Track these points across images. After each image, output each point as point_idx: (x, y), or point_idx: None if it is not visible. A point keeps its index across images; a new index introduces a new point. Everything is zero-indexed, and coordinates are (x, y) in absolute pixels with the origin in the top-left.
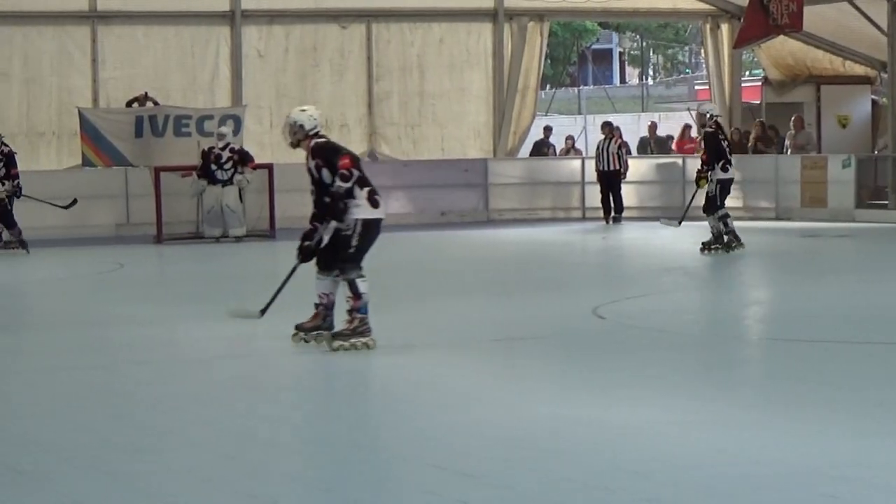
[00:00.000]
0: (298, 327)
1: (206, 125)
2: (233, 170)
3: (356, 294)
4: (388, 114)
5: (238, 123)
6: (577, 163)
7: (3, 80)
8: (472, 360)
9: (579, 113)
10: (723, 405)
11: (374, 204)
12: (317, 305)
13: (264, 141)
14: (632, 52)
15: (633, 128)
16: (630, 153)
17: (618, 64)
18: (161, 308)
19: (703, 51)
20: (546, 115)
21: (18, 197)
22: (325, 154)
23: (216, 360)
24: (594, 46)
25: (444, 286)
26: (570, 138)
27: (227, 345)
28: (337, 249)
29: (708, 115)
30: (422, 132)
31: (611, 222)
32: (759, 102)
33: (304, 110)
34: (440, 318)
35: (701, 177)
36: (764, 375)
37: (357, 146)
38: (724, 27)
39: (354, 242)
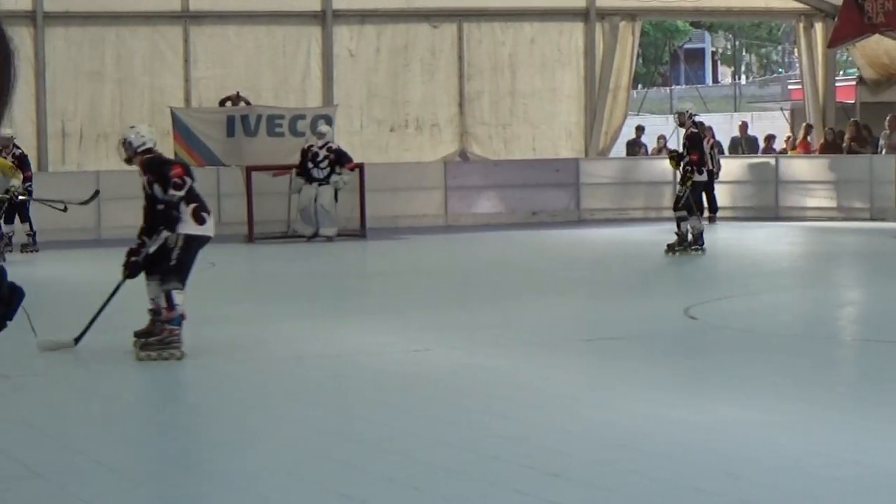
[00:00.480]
0: (136, 334)
1: (298, 125)
2: (329, 169)
3: (170, 305)
4: (480, 113)
5: (329, 123)
6: (667, 162)
7: (97, 80)
8: (563, 361)
9: (671, 112)
10: (815, 407)
11: (199, 220)
12: (150, 311)
13: (355, 141)
14: (724, 52)
15: (724, 127)
16: (722, 153)
17: (710, 63)
18: (253, 307)
19: (796, 50)
20: (638, 115)
21: (28, 199)
22: (155, 168)
23: (308, 358)
24: (686, 46)
25: (536, 286)
26: (661, 138)
27: (319, 343)
28: (160, 260)
29: (687, 115)
30: (513, 132)
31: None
32: (853, 102)
33: (132, 127)
34: (531, 318)
35: (688, 177)
36: (857, 377)
37: (448, 146)
38: (818, 26)
39: (175, 255)
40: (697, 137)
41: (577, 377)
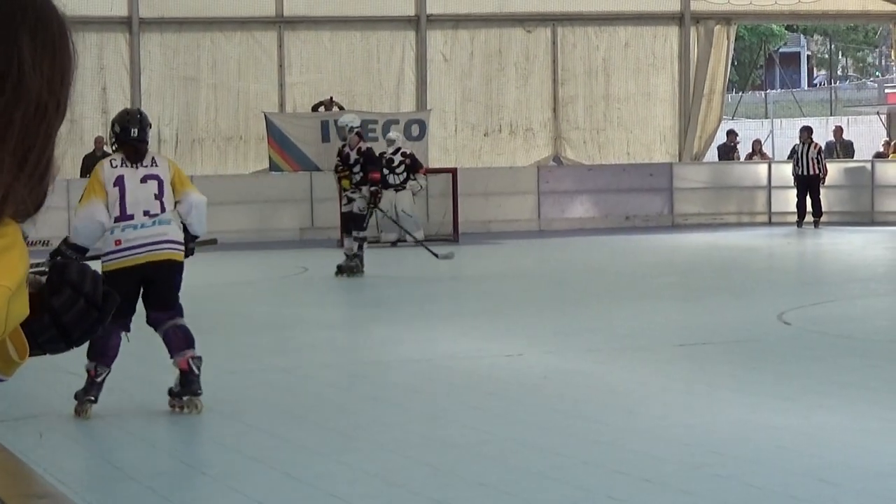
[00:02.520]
0: None
1: (391, 130)
2: (405, 174)
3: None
4: (574, 118)
5: (423, 128)
6: (763, 167)
7: (192, 85)
8: (657, 365)
9: (766, 117)
10: None
11: None
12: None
13: (448, 146)
14: (820, 55)
15: (820, 131)
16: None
17: (805, 67)
18: (344, 311)
19: (892, 53)
20: (732, 119)
21: None
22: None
23: (397, 363)
24: (781, 49)
25: (629, 290)
26: (756, 142)
27: (411, 348)
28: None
29: (348, 129)
30: (607, 136)
31: (802, 226)
32: None
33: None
34: (625, 322)
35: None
36: None
37: (542, 150)
38: None
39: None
40: (370, 153)
41: (670, 382)
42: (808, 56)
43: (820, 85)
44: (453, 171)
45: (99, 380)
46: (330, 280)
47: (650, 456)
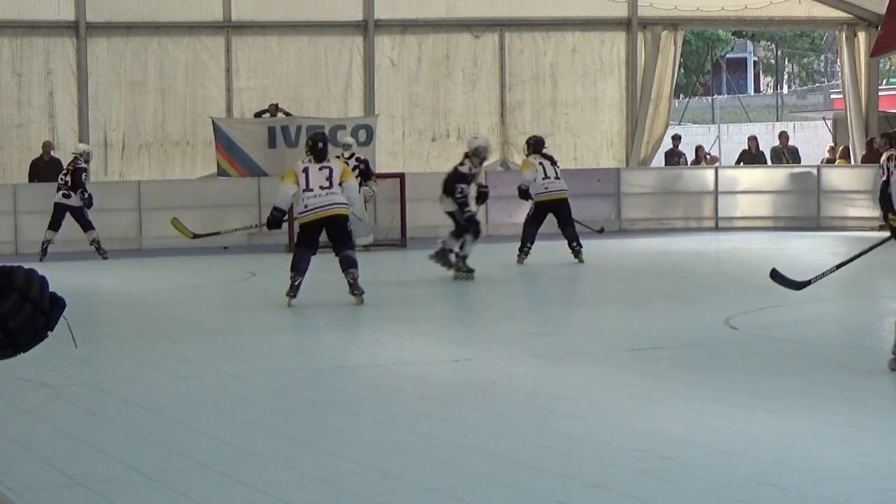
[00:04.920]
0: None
1: (339, 135)
2: (359, 179)
3: None
4: (521, 123)
5: (370, 133)
6: (710, 172)
7: (139, 90)
8: (606, 371)
9: (713, 122)
10: (859, 417)
11: None
12: None
13: (396, 150)
14: (766, 61)
15: (766, 137)
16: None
17: (752, 73)
18: (292, 316)
19: (838, 59)
20: (679, 125)
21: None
22: None
23: (345, 368)
24: (728, 55)
25: (578, 295)
26: (700, 148)
27: (356, 353)
28: None
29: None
30: (554, 141)
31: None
32: None
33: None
34: (574, 327)
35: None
36: None
37: (490, 156)
38: (861, 35)
39: None
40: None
41: (619, 388)
42: (754, 62)
43: (766, 90)
44: (401, 176)
45: (296, 283)
46: (277, 285)
47: (599, 461)
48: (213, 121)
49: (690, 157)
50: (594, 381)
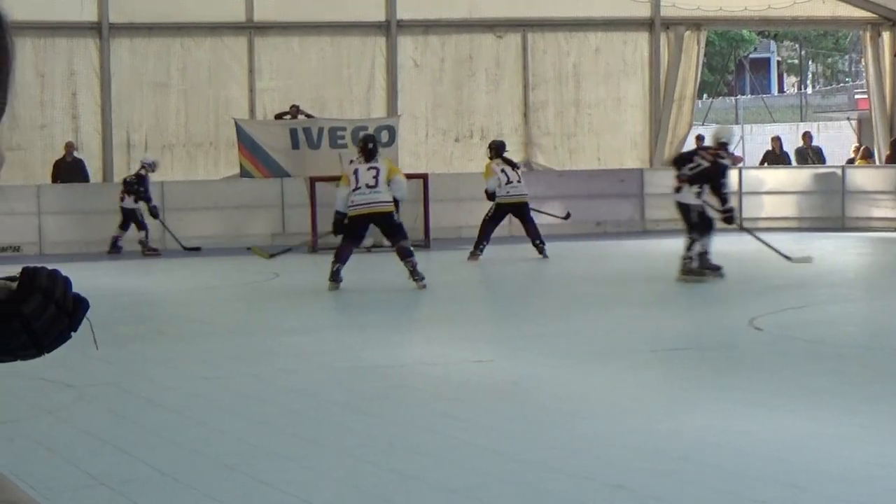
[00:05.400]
0: None
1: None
2: None
3: None
4: (544, 123)
5: (393, 134)
6: (733, 173)
7: (162, 91)
8: (628, 371)
9: (736, 122)
10: (882, 418)
11: None
12: None
13: (419, 151)
14: (790, 61)
15: (790, 137)
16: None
17: (776, 73)
18: (313, 318)
19: (863, 59)
20: (703, 125)
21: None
22: None
23: (365, 369)
24: (752, 55)
25: (601, 296)
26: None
27: (376, 354)
28: None
29: None
30: (578, 142)
31: None
32: None
33: None
34: (596, 328)
35: None
36: None
37: (512, 155)
38: (886, 35)
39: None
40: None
41: (641, 388)
42: (778, 62)
43: (790, 90)
44: (424, 177)
45: (335, 270)
46: (300, 286)
47: (621, 462)
48: (235, 122)
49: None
50: (616, 382)
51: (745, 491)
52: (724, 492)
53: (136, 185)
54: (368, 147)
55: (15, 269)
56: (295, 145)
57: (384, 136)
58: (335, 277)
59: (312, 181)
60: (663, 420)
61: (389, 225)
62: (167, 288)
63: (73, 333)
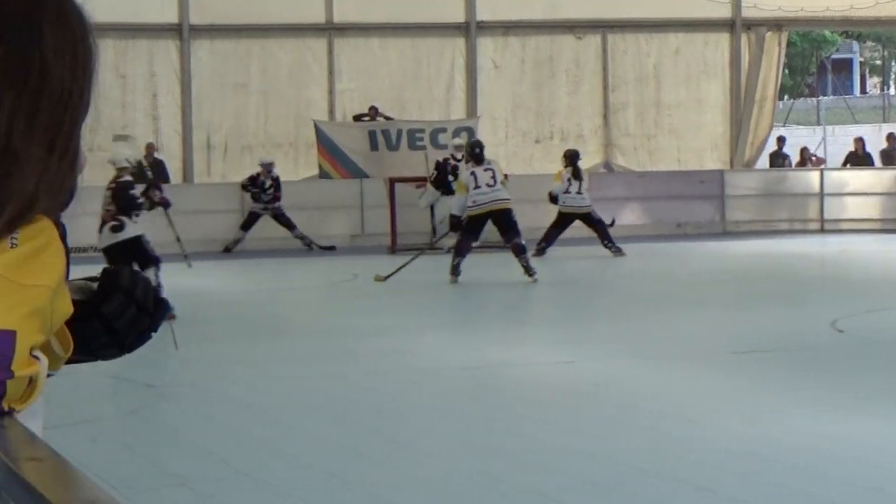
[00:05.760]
0: None
1: (439, 138)
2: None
3: None
4: (624, 124)
5: (471, 135)
6: (815, 174)
7: (242, 92)
8: (709, 374)
9: (818, 123)
10: None
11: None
12: None
13: (499, 152)
14: (873, 62)
15: (873, 139)
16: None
17: (858, 74)
18: (394, 318)
19: None
20: (784, 126)
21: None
22: None
23: (448, 370)
24: (834, 56)
25: (681, 298)
26: (804, 149)
27: (462, 355)
28: None
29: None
30: (658, 143)
31: None
32: None
33: None
34: (677, 330)
35: None
36: None
37: (593, 157)
38: None
39: None
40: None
41: (722, 390)
42: (860, 62)
43: (872, 91)
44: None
45: (456, 263)
46: (380, 286)
47: (702, 464)
48: (315, 123)
49: (795, 158)
50: (697, 383)
51: (827, 493)
52: (808, 494)
53: (249, 186)
54: (476, 152)
55: (96, 270)
56: (373, 147)
57: (463, 138)
58: (455, 271)
59: (392, 182)
60: (745, 422)
61: (507, 221)
62: (248, 288)
63: (154, 333)
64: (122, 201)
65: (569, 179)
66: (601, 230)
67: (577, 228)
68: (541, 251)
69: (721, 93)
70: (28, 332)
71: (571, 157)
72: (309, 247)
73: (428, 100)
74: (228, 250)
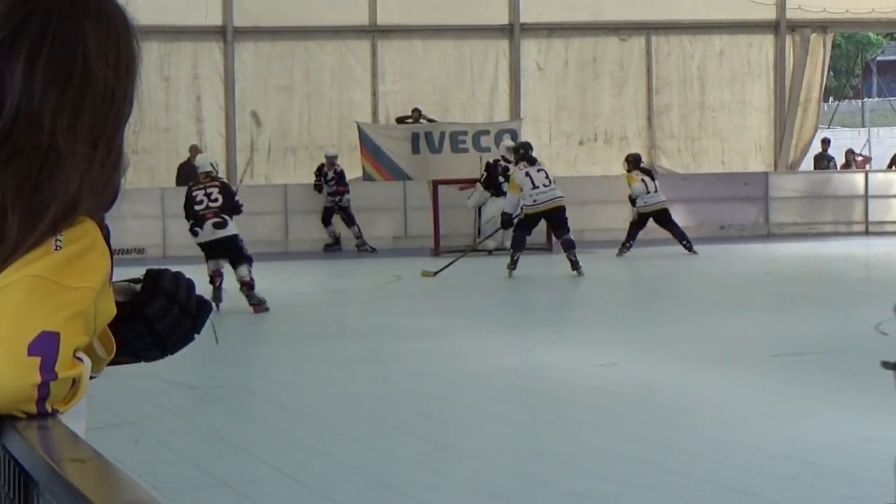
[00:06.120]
0: None
1: (482, 140)
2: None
3: None
4: (668, 126)
5: (515, 137)
6: (859, 176)
7: (285, 94)
8: (752, 376)
9: (863, 125)
10: None
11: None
12: None
13: (542, 154)
14: None
15: None
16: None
17: None
18: (439, 320)
19: None
20: (829, 128)
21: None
22: None
23: (489, 372)
24: (879, 58)
25: (724, 300)
26: (850, 152)
27: (505, 357)
28: None
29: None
30: (702, 145)
31: None
32: None
33: None
34: (720, 332)
35: None
36: None
37: None
38: None
39: None
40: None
41: (764, 392)
42: None
43: None
44: None
45: (515, 258)
46: (423, 289)
47: (744, 466)
48: (358, 125)
49: (840, 160)
50: (739, 386)
51: (869, 497)
52: (848, 497)
53: (316, 175)
54: (529, 153)
55: (139, 272)
56: (416, 149)
57: (507, 140)
58: (515, 265)
59: (435, 184)
60: (788, 425)
61: (560, 218)
62: (292, 290)
63: (196, 335)
64: (229, 201)
65: (642, 180)
66: (678, 230)
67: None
68: (625, 249)
69: (765, 95)
70: (71, 334)
71: (636, 160)
72: (361, 248)
73: (471, 102)
74: (332, 248)
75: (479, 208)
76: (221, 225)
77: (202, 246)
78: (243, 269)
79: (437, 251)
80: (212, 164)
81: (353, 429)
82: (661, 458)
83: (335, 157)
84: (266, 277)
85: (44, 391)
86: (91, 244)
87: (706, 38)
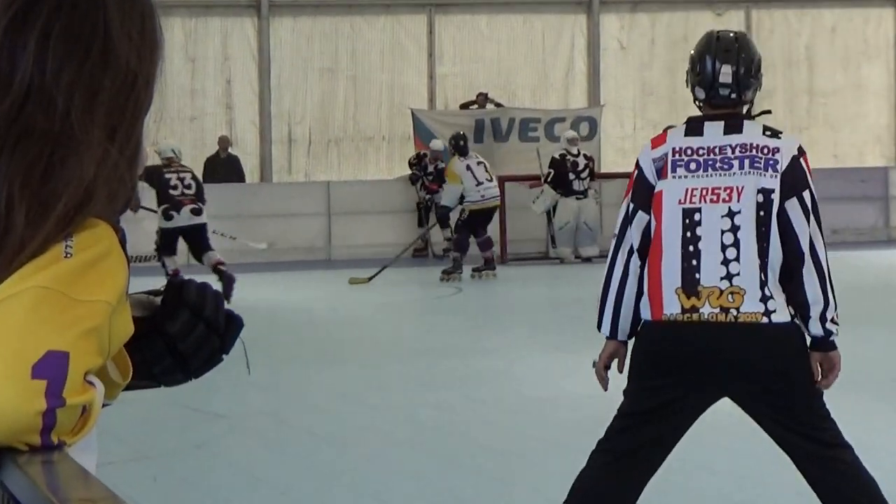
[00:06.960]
0: None
1: (556, 129)
2: (589, 178)
3: None
4: (772, 114)
5: (594, 126)
6: None
7: (329, 77)
8: (864, 401)
9: None
10: None
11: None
12: None
13: (626, 146)
14: None
15: None
16: None
17: None
18: (503, 338)
19: None
20: None
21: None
22: None
23: (563, 398)
24: None
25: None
26: None
27: (575, 381)
28: None
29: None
30: (810, 136)
31: None
32: None
33: None
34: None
35: None
36: None
37: None
38: None
39: None
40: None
41: (877, 421)
42: None
43: None
44: (631, 177)
45: (458, 262)
46: (486, 302)
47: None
48: (412, 112)
49: None
50: (851, 413)
51: None
52: None
53: (414, 163)
54: (462, 145)
55: (159, 282)
56: (478, 139)
57: (584, 129)
58: (458, 270)
59: (501, 181)
60: None
61: (491, 217)
62: (336, 304)
63: (224, 356)
64: (200, 188)
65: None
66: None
67: None
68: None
69: (885, 78)
70: (82, 354)
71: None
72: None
73: (543, 86)
74: (422, 252)
75: (549, 213)
76: (198, 212)
77: (173, 231)
78: (213, 253)
79: (504, 259)
80: (173, 150)
81: (403, 463)
82: (756, 495)
83: (441, 153)
84: (306, 288)
85: (49, 420)
86: (106, 251)
87: (815, 12)
